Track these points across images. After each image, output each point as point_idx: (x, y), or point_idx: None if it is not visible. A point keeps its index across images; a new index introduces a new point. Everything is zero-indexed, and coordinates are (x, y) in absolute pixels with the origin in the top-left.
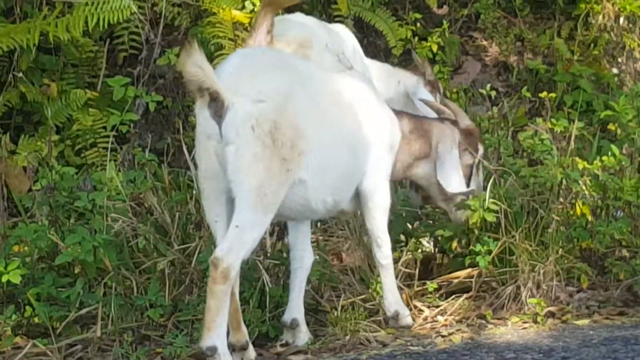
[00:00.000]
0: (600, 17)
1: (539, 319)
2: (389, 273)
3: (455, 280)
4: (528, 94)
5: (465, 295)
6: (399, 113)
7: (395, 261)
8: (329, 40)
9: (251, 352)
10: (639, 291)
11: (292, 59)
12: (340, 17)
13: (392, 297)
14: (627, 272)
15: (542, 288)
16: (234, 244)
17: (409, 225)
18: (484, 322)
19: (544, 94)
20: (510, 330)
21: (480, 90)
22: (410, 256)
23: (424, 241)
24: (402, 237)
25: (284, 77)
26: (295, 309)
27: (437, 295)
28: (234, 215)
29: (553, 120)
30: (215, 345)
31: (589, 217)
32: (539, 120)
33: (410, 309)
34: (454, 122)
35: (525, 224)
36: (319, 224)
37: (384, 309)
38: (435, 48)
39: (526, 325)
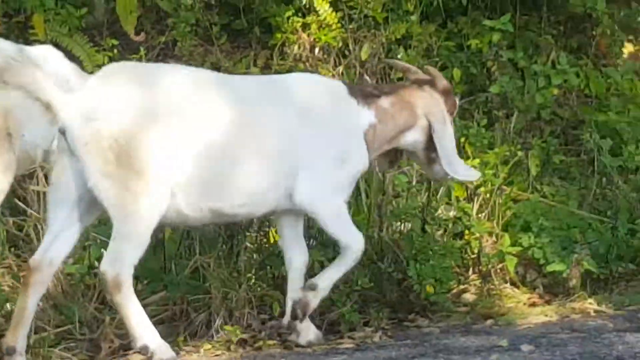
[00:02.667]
0: (296, 47)
1: (232, 346)
2: (347, 259)
3: (150, 307)
4: None
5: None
6: (373, 91)
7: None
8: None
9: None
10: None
11: (160, 72)
12: (38, 42)
13: (327, 278)
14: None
15: (235, 315)
16: (116, 255)
17: (104, 251)
18: (177, 349)
19: None
20: (202, 358)
21: None
22: None
23: None
24: (96, 263)
25: (133, 93)
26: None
27: None
28: (113, 227)
29: None
30: (145, 343)
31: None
32: None
33: (111, 340)
34: (432, 84)
35: (219, 250)
36: None
37: None
38: None
39: (219, 352)
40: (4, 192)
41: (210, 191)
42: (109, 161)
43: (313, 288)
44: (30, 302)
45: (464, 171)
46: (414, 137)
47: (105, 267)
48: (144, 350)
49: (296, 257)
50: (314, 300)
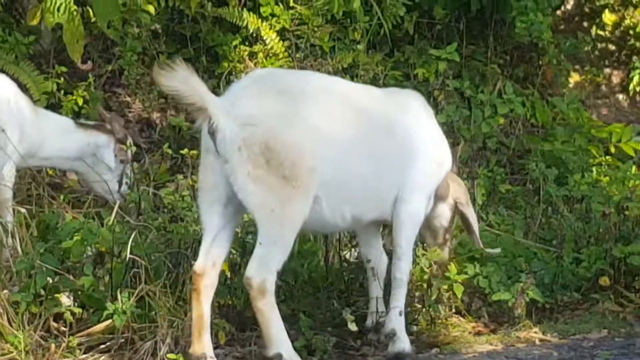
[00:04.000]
0: (243, 75)
1: None
2: (401, 289)
3: (96, 336)
4: (170, 151)
5: (105, 350)
6: None
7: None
8: None
9: None
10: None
11: (305, 80)
12: None
13: (394, 315)
14: None
15: (181, 344)
16: (261, 260)
17: (50, 280)
18: None
19: (185, 151)
20: None
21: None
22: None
23: (64, 297)
24: (42, 292)
25: (284, 100)
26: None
27: (80, 351)
28: (258, 232)
29: (194, 177)
30: (279, 352)
31: (228, 274)
32: (180, 177)
33: None
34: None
35: (165, 279)
36: None
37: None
38: (80, 102)
39: None
40: None
41: (352, 196)
42: (259, 166)
43: (390, 335)
44: (206, 307)
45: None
46: None
47: (252, 272)
48: (276, 358)
49: (381, 262)
50: (399, 334)
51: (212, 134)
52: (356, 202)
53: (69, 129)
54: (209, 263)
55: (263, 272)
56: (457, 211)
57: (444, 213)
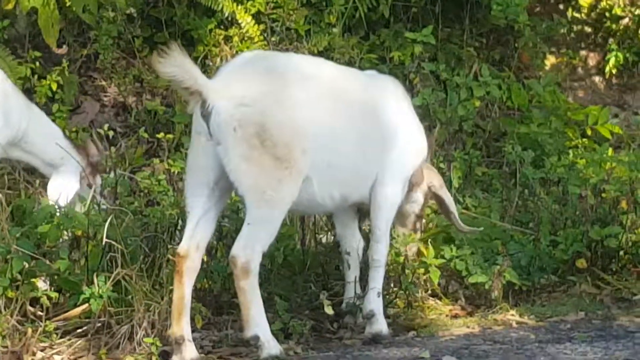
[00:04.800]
0: (218, 59)
1: (154, 358)
2: (378, 271)
3: (72, 320)
4: (146, 135)
5: (82, 335)
6: None
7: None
8: None
9: (188, 350)
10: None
11: (295, 62)
12: None
13: (372, 296)
14: None
15: (157, 327)
16: (248, 240)
17: (26, 264)
18: None
19: (161, 135)
20: None
21: (99, 130)
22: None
23: (40, 281)
24: (19, 276)
25: (277, 81)
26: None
27: (56, 336)
28: (246, 213)
29: (170, 161)
30: (257, 334)
31: (205, 257)
32: (156, 160)
33: (33, 352)
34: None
35: (142, 263)
36: None
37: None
38: (54, 87)
39: None
40: None
41: (341, 177)
42: (253, 146)
43: (368, 316)
44: (187, 289)
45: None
46: None
47: (237, 251)
48: (253, 340)
49: (356, 245)
50: (377, 315)
51: (206, 116)
52: (344, 183)
53: (56, 137)
54: (193, 245)
55: (249, 252)
56: (432, 196)
57: (418, 199)
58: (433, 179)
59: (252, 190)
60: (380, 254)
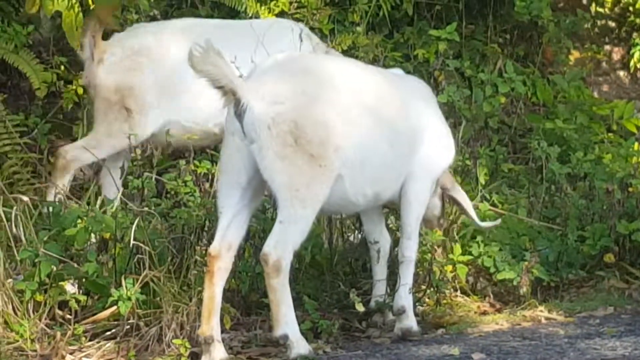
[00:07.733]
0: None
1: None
2: (409, 267)
3: (101, 323)
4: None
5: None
6: None
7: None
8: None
9: (217, 350)
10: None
11: (327, 63)
12: None
13: (403, 292)
14: None
15: (186, 329)
16: (280, 238)
17: (54, 268)
18: None
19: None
20: None
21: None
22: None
23: (69, 284)
24: (47, 280)
25: (310, 80)
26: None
27: (85, 339)
28: (278, 211)
29: (197, 162)
30: (286, 333)
31: None
32: (182, 162)
33: (62, 356)
34: None
35: (170, 265)
36: None
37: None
38: (80, 91)
39: None
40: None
41: (373, 175)
42: (287, 144)
43: (399, 312)
44: (217, 289)
45: None
46: None
47: (269, 249)
48: (283, 339)
49: (384, 242)
50: (408, 311)
51: (240, 115)
52: (377, 180)
53: None
54: (225, 246)
55: (280, 250)
56: (446, 197)
57: (436, 204)
58: (445, 181)
59: (285, 188)
60: (411, 250)
